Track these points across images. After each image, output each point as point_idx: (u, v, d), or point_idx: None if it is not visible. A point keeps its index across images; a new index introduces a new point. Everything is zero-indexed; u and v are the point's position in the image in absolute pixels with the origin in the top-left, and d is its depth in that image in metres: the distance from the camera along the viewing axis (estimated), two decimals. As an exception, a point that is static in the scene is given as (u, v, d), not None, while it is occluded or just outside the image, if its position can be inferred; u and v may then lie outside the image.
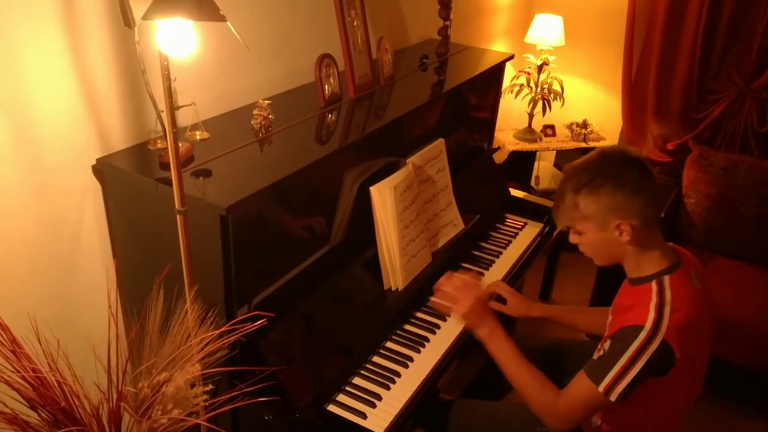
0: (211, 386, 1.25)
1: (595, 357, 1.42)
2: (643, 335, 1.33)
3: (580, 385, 1.41)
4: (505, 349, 1.57)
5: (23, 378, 1.14)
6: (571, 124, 3.50)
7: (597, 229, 1.43)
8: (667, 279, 1.39)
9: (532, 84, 3.40)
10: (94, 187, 1.52)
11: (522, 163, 3.51)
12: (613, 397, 1.36)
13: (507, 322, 2.64)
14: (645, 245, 1.42)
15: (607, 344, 1.40)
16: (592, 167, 1.41)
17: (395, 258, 1.82)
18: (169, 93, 1.16)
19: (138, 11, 1.30)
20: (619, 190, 1.37)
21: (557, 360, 1.82)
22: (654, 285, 1.39)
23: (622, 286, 1.53)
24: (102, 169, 1.50)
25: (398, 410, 1.55)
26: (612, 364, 1.35)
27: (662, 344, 1.32)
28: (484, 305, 1.67)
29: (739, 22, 2.86)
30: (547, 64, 3.36)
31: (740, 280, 2.62)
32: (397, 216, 1.81)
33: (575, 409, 1.43)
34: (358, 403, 1.56)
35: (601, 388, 1.36)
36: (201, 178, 1.43)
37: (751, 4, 2.80)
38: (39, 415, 1.18)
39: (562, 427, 1.47)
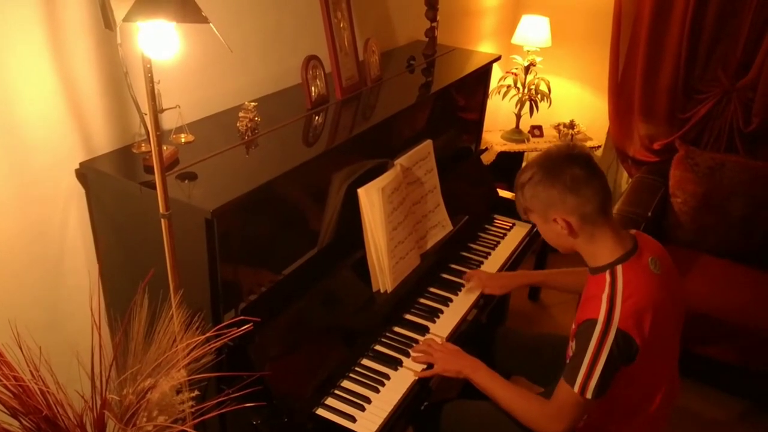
0: (197, 392, 1.23)
1: (568, 360, 1.46)
2: (598, 328, 1.37)
3: (561, 389, 1.45)
4: (488, 379, 1.62)
5: (4, 386, 1.12)
6: (559, 124, 3.51)
7: (542, 222, 1.51)
8: (619, 268, 1.43)
9: (519, 85, 3.41)
10: (78, 191, 1.51)
11: (510, 163, 3.51)
12: (588, 395, 1.39)
13: (499, 314, 2.65)
14: (591, 237, 1.46)
15: (573, 344, 1.45)
16: (536, 164, 1.48)
17: (384, 260, 1.81)
18: (153, 96, 1.15)
19: (119, 13, 1.29)
20: (553, 187, 1.43)
21: (550, 355, 1.83)
22: (607, 275, 1.43)
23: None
24: (86, 173, 1.48)
25: (388, 413, 1.54)
26: (579, 363, 1.39)
27: (618, 333, 1.36)
28: (454, 352, 1.70)
29: (724, 22, 2.88)
30: (534, 65, 3.37)
31: (727, 279, 2.64)
32: (385, 218, 1.80)
33: (561, 414, 1.46)
34: (347, 406, 1.55)
35: (576, 388, 1.39)
36: (186, 181, 1.42)
37: (736, 4, 2.81)
38: (21, 423, 1.16)
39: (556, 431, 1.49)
